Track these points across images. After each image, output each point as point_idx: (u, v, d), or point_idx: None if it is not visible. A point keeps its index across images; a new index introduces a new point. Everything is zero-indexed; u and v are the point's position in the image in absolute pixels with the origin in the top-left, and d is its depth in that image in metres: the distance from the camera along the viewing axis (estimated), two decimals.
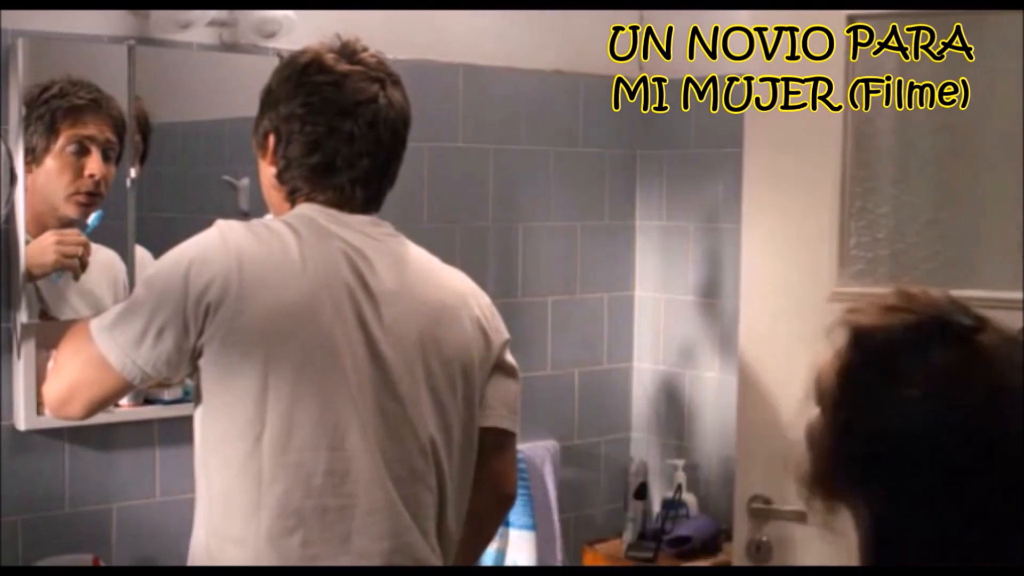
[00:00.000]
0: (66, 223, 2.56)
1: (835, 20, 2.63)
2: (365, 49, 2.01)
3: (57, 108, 2.53)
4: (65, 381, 1.96)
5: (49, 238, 2.52)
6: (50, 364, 2.36)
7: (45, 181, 2.54)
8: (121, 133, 2.61)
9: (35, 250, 2.52)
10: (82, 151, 2.56)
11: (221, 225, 1.93)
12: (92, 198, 2.56)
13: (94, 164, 2.56)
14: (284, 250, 1.89)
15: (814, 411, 1.24)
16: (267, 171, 2.01)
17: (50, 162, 2.54)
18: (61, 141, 2.54)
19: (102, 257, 2.61)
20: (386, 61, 2.02)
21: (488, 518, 2.16)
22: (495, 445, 2.07)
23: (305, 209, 1.96)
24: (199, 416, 1.93)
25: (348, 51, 1.99)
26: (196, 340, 1.85)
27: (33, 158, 2.52)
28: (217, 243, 1.89)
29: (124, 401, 2.61)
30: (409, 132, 2.03)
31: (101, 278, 2.62)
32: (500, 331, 2.07)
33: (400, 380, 1.92)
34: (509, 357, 2.09)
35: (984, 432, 1.14)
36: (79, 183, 2.55)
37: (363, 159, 1.95)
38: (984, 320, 1.20)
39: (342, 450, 1.87)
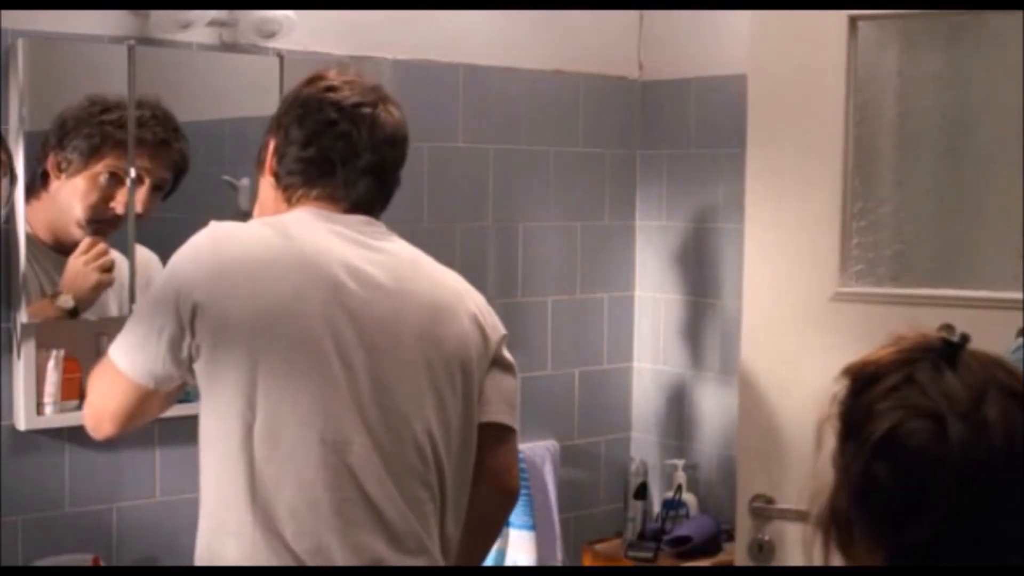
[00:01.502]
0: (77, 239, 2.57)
1: (836, 20, 2.63)
2: (360, 77, 2.08)
3: (109, 136, 2.54)
4: (93, 402, 2.06)
5: (78, 263, 2.54)
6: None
7: (69, 195, 2.54)
8: (178, 173, 2.65)
9: (75, 281, 2.53)
10: (116, 181, 2.56)
11: (213, 226, 1.96)
12: (103, 226, 2.57)
13: (122, 198, 2.56)
14: (275, 248, 1.92)
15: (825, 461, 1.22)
16: (266, 181, 2.04)
17: (80, 181, 2.54)
18: (100, 167, 2.54)
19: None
20: (383, 87, 2.08)
21: (491, 515, 2.15)
22: (495, 440, 2.07)
23: (301, 210, 2.00)
24: (200, 413, 1.95)
25: (348, 71, 2.07)
26: (191, 340, 1.89)
27: (67, 168, 2.52)
28: (206, 244, 1.93)
29: None
30: (407, 149, 2.06)
31: None
32: (496, 327, 2.09)
33: (400, 377, 1.93)
34: (506, 353, 2.10)
35: (980, 443, 1.13)
36: (99, 210, 2.55)
37: (359, 158, 1.99)
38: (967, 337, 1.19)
39: (335, 445, 1.87)
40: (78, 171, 2.53)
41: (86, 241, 2.56)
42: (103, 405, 2.02)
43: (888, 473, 1.15)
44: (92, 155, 2.53)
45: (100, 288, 2.57)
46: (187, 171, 2.67)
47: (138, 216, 2.59)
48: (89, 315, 2.59)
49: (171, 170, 2.64)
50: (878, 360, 1.19)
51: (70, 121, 2.51)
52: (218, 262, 1.90)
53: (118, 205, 2.56)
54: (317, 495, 1.87)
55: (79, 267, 2.54)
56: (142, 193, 2.58)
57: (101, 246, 2.57)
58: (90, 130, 2.52)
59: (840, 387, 1.22)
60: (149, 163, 2.59)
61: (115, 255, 2.61)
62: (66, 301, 2.54)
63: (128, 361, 1.94)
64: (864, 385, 1.19)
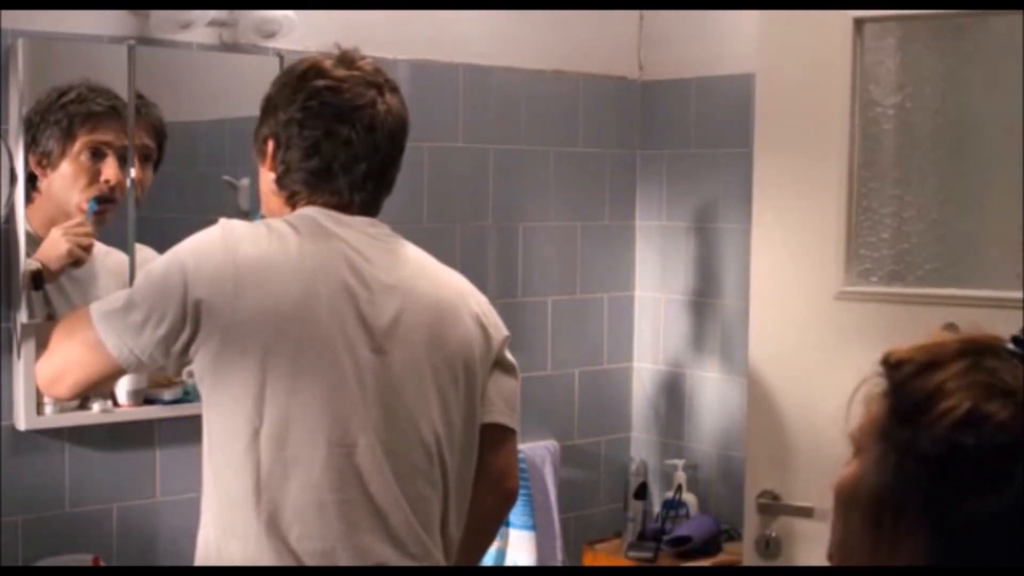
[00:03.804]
0: None
1: (840, 21, 2.64)
2: (363, 57, 2.05)
3: (75, 114, 2.53)
4: (57, 362, 2.05)
5: (56, 231, 2.52)
6: None
7: (60, 185, 2.53)
8: (160, 139, 2.63)
9: (47, 247, 2.50)
10: (98, 156, 2.55)
11: (223, 224, 1.97)
12: (106, 204, 2.56)
13: (110, 170, 2.55)
14: (284, 249, 1.92)
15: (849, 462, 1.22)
16: (267, 177, 2.05)
17: (65, 167, 2.53)
18: (77, 146, 2.53)
19: (113, 262, 2.61)
20: (383, 69, 2.05)
21: (490, 515, 2.16)
22: (495, 441, 2.08)
23: (307, 210, 2.00)
24: (204, 413, 1.96)
25: (346, 59, 2.03)
26: (192, 334, 1.89)
27: (48, 162, 2.52)
28: (218, 241, 1.93)
29: (124, 401, 2.61)
30: (407, 138, 2.06)
31: (111, 283, 2.60)
32: (499, 328, 2.09)
33: (405, 376, 1.93)
34: (508, 354, 2.11)
35: None
36: (94, 188, 2.54)
37: (360, 163, 1.98)
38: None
39: (342, 446, 1.88)
40: (59, 159, 2.52)
41: (76, 219, 2.54)
42: (68, 368, 2.02)
43: (975, 443, 1.14)
44: (66, 138, 2.52)
45: (69, 258, 2.48)
46: (167, 135, 2.64)
47: (135, 191, 2.57)
48: None
49: (151, 137, 2.63)
50: (935, 347, 1.20)
51: (35, 116, 2.51)
52: (230, 262, 1.89)
53: (110, 177, 2.55)
54: (323, 496, 1.87)
55: (56, 236, 2.49)
56: (114, 169, 2.54)
57: (87, 227, 2.54)
58: (56, 116, 2.51)
59: (881, 371, 1.21)
60: (111, 135, 2.56)
61: (115, 253, 2.61)
62: (30, 264, 2.49)
63: (117, 342, 1.93)
64: (922, 369, 1.19)
